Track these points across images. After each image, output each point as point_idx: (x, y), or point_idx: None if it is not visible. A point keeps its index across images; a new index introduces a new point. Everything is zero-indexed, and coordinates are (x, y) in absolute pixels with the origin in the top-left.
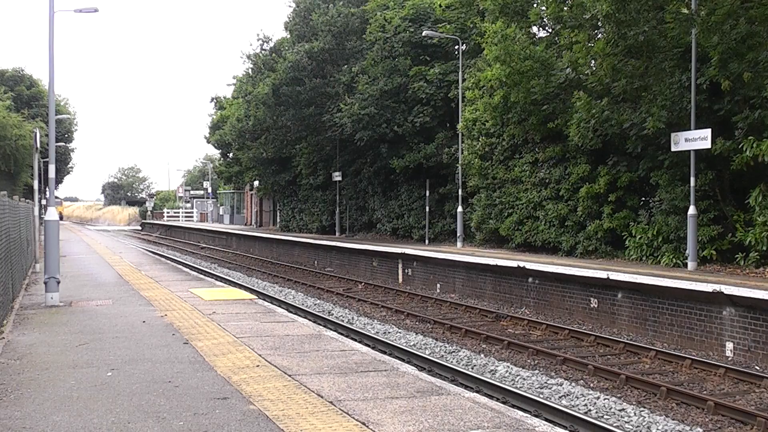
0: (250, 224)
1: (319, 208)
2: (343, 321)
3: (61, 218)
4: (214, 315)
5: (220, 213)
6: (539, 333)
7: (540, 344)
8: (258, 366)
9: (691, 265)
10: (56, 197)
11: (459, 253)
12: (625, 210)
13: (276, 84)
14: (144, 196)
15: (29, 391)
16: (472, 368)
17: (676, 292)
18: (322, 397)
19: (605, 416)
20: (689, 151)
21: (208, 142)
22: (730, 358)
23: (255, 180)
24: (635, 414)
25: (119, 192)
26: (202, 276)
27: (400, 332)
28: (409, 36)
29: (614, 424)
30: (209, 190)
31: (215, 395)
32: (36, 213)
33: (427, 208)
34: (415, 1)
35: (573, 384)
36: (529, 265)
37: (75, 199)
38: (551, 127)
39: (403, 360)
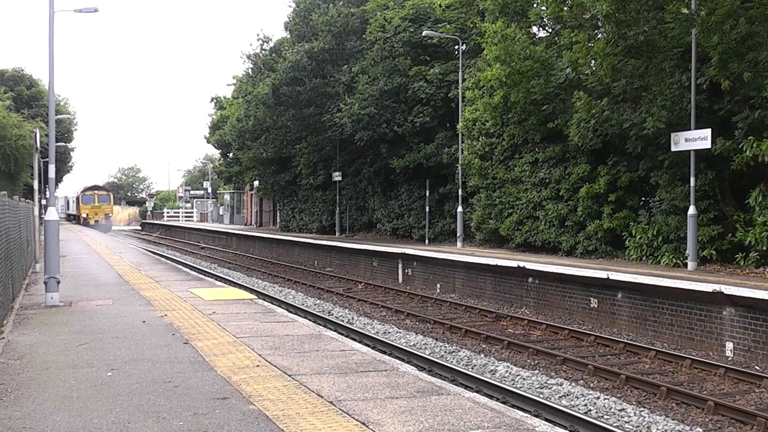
0: (250, 224)
1: (319, 208)
2: (343, 321)
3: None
4: (214, 315)
5: (220, 213)
6: (539, 333)
7: (540, 344)
8: (258, 366)
9: (691, 265)
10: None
11: (459, 253)
12: (625, 210)
13: (276, 84)
14: (144, 196)
15: (29, 391)
16: (472, 368)
17: (676, 292)
18: (322, 397)
19: (605, 416)
20: (689, 151)
21: (208, 142)
22: (730, 358)
23: (255, 180)
24: (635, 414)
25: (119, 192)
26: (202, 276)
27: (400, 332)
28: (409, 36)
29: (614, 424)
30: (209, 190)
31: (215, 395)
32: (36, 213)
33: (427, 208)
34: (415, 1)
35: (573, 384)
36: (529, 265)
37: None
38: (551, 127)
39: (403, 360)
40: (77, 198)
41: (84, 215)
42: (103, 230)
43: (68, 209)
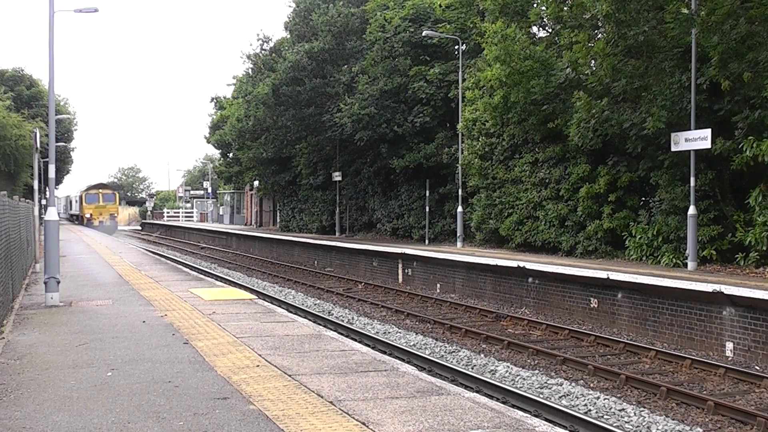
0: (250, 224)
1: (319, 208)
2: (343, 321)
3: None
4: (214, 315)
5: (220, 213)
6: (539, 333)
7: (540, 344)
8: (258, 366)
9: (691, 265)
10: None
11: (459, 253)
12: (625, 210)
13: (276, 84)
14: (144, 196)
15: (29, 391)
16: (472, 368)
17: (676, 292)
18: (322, 397)
19: (605, 416)
20: (689, 151)
21: (208, 142)
22: (730, 358)
23: (255, 180)
24: (635, 414)
25: (119, 192)
26: (202, 276)
27: (400, 332)
28: (409, 36)
29: (614, 424)
30: (209, 190)
31: (215, 395)
32: (36, 213)
33: (427, 208)
34: (415, 1)
35: (573, 384)
36: (529, 265)
37: None
38: (551, 127)
39: (403, 360)
40: (80, 197)
41: (87, 215)
42: (107, 231)
43: (71, 209)
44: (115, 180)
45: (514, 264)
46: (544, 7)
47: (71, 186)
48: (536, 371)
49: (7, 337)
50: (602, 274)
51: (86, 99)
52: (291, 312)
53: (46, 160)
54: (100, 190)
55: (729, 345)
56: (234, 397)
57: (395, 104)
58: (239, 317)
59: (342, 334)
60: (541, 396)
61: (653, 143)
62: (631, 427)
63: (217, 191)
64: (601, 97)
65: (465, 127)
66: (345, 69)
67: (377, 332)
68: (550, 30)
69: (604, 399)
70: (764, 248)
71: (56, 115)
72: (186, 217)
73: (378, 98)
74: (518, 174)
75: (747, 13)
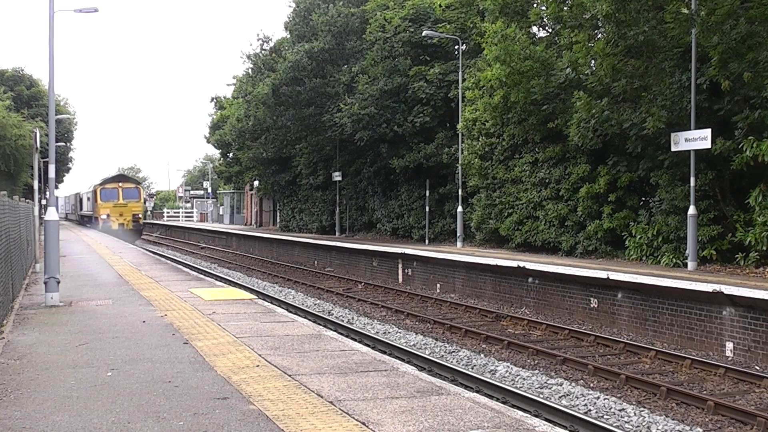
0: (250, 224)
1: (319, 208)
2: (343, 321)
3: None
4: (214, 315)
5: (220, 213)
6: (539, 333)
7: (540, 344)
8: (258, 366)
9: (691, 265)
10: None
11: (459, 253)
12: (625, 210)
13: (276, 84)
14: (144, 196)
15: (29, 391)
16: (472, 368)
17: (676, 292)
18: (322, 397)
19: (605, 416)
20: (689, 151)
21: (208, 142)
22: (730, 358)
23: (255, 180)
24: (635, 414)
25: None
26: (202, 276)
27: (400, 332)
28: (409, 36)
29: (614, 424)
30: (209, 190)
31: (215, 395)
32: (36, 213)
33: (427, 208)
34: (415, 1)
35: (573, 384)
36: (529, 265)
37: None
38: (551, 127)
39: (403, 360)
40: (94, 192)
41: (104, 216)
42: (128, 239)
43: (81, 209)
44: None
45: (514, 264)
46: (544, 7)
47: (71, 186)
48: (536, 371)
49: (7, 337)
50: (602, 274)
51: (86, 99)
52: (291, 312)
53: (46, 160)
54: (120, 184)
55: (729, 345)
56: (234, 397)
57: (395, 104)
58: (239, 317)
59: (342, 334)
60: (541, 396)
61: (653, 143)
62: (631, 427)
63: (217, 191)
64: (601, 97)
65: (465, 127)
66: (345, 69)
67: (377, 332)
68: (550, 30)
69: (604, 399)
70: (764, 248)
71: (56, 115)
72: (186, 217)
73: (378, 98)
74: (518, 174)
75: (747, 13)
